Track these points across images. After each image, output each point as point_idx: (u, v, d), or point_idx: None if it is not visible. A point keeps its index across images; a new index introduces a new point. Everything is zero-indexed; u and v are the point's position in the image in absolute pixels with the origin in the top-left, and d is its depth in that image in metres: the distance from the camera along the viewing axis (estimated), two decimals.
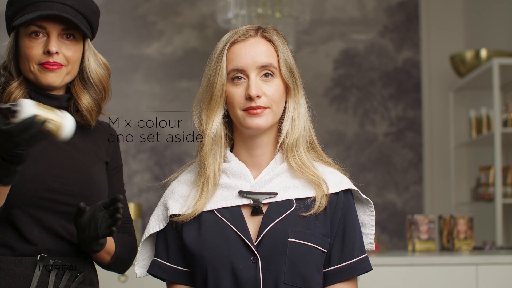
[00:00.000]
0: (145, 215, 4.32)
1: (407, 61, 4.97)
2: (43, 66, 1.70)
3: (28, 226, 1.67)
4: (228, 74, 1.60)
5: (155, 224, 1.64)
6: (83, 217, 1.61)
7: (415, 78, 4.96)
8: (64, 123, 1.53)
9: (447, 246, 3.24)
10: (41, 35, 1.70)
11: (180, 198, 1.63)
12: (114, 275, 2.89)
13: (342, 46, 4.96)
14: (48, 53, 1.69)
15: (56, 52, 1.69)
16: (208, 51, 1.66)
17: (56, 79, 1.71)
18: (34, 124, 1.45)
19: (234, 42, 1.62)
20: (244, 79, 1.60)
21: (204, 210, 1.59)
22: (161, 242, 1.64)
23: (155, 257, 1.65)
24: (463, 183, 4.74)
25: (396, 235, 4.84)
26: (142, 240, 1.66)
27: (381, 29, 4.98)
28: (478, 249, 3.36)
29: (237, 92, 1.59)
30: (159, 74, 4.86)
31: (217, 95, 1.60)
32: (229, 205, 1.59)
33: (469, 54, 4.30)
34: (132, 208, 3.34)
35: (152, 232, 1.64)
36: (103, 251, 1.73)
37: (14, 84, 1.72)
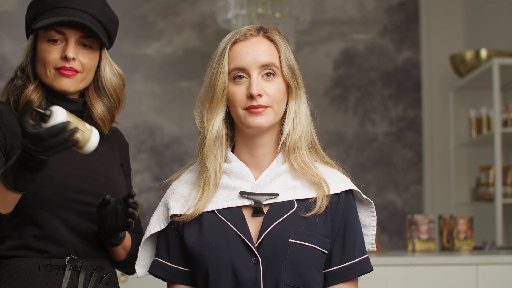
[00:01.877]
0: (145, 215, 4.32)
1: (407, 61, 4.97)
2: (59, 71, 1.71)
3: (56, 227, 1.68)
4: (229, 73, 1.60)
5: (156, 224, 1.64)
6: (106, 208, 1.65)
7: (415, 78, 4.96)
8: (91, 136, 1.54)
9: (447, 246, 3.24)
10: (59, 40, 1.72)
11: (181, 198, 1.63)
12: None
13: (342, 46, 4.96)
14: (65, 58, 1.71)
15: (73, 58, 1.71)
16: (208, 51, 1.66)
17: (70, 85, 1.73)
18: (65, 130, 1.46)
19: (236, 42, 1.62)
20: (246, 78, 1.60)
21: (205, 210, 1.59)
22: (162, 242, 1.64)
23: (156, 257, 1.65)
24: (463, 183, 4.74)
25: (396, 235, 4.84)
26: (143, 240, 1.67)
27: (381, 29, 4.98)
28: (478, 249, 3.35)
29: (239, 91, 1.59)
30: (159, 74, 4.86)
31: (219, 94, 1.60)
32: (230, 205, 1.59)
33: (469, 54, 4.30)
34: None
35: (153, 232, 1.64)
36: (120, 246, 1.75)
37: (31, 87, 1.73)
